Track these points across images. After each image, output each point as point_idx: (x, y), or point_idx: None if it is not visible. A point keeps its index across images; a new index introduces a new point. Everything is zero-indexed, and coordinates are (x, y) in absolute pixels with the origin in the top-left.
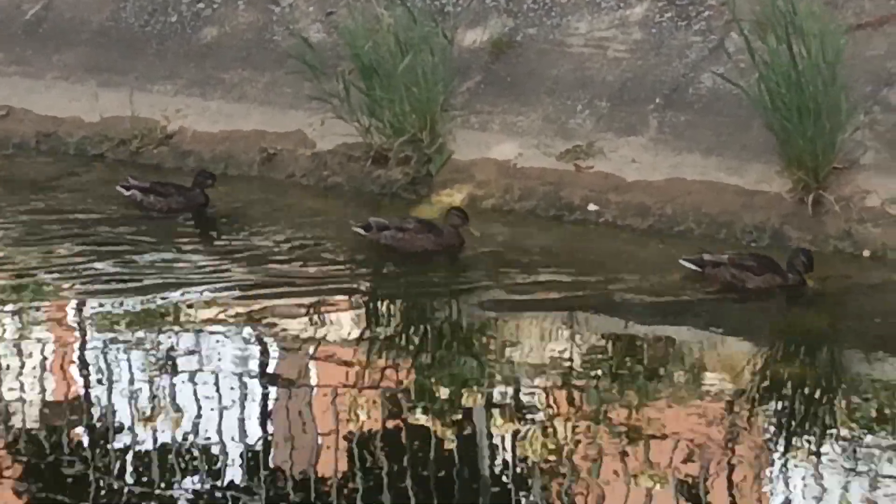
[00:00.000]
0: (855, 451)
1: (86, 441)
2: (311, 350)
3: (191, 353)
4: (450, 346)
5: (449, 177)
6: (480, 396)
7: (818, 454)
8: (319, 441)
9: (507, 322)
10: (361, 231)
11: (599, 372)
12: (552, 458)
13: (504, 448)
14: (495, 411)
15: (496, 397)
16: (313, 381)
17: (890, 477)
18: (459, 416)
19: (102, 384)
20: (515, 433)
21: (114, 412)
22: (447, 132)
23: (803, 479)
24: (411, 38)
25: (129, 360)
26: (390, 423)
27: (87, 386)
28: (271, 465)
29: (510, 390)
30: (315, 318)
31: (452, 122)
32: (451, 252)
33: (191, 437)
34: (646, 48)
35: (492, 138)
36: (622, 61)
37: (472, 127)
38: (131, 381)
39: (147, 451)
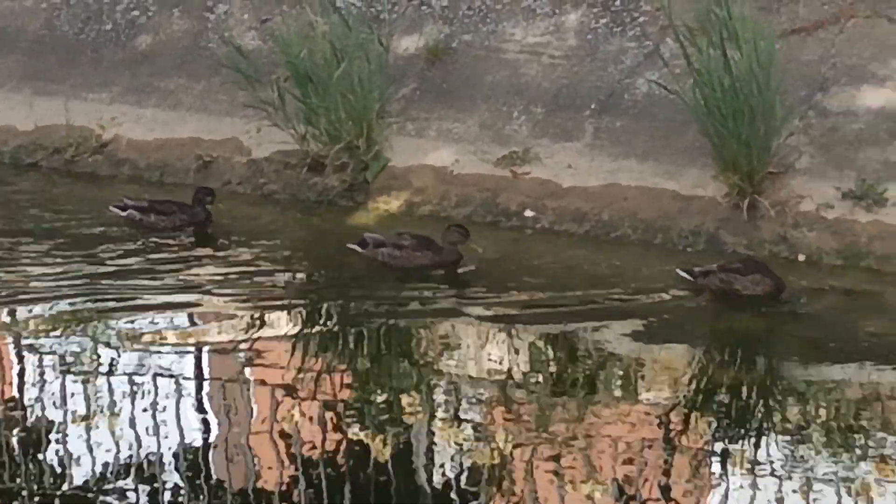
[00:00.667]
0: (791, 455)
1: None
2: (245, 357)
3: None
4: (385, 355)
5: (386, 184)
6: (419, 405)
7: (755, 458)
8: (257, 451)
9: (448, 329)
10: (357, 248)
11: (539, 379)
12: (495, 466)
13: (446, 457)
14: (435, 420)
15: (436, 406)
16: (249, 387)
17: (824, 480)
18: (399, 427)
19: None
20: (457, 442)
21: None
22: (383, 139)
23: (740, 484)
24: (346, 45)
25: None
26: (330, 436)
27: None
28: (212, 475)
29: (451, 399)
30: (251, 327)
31: (389, 129)
32: (449, 269)
33: (132, 446)
34: (581, 54)
35: (428, 145)
36: (558, 67)
37: (408, 133)
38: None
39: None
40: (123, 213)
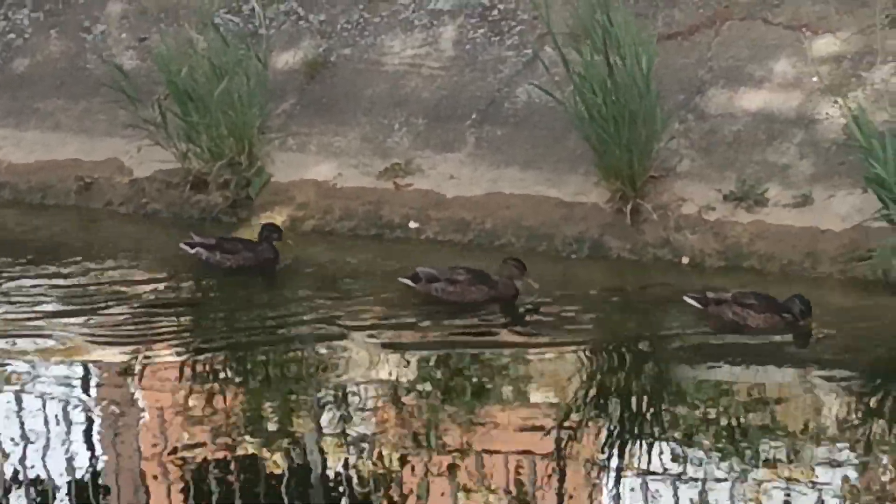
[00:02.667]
0: (683, 459)
1: None
2: (135, 378)
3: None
4: (273, 372)
5: (269, 199)
6: (309, 421)
7: (648, 463)
8: (147, 469)
9: (333, 344)
10: (409, 283)
11: (428, 390)
12: (384, 479)
13: (337, 472)
14: (326, 436)
15: (325, 422)
16: (140, 410)
17: (717, 480)
18: (289, 442)
19: None
20: (346, 458)
21: None
22: (265, 155)
23: (632, 489)
24: (225, 62)
25: None
26: (220, 453)
27: None
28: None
29: (340, 414)
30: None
31: (270, 145)
32: (505, 304)
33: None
34: (460, 65)
35: (310, 159)
36: (437, 78)
37: (290, 149)
38: None
39: None
40: (192, 251)
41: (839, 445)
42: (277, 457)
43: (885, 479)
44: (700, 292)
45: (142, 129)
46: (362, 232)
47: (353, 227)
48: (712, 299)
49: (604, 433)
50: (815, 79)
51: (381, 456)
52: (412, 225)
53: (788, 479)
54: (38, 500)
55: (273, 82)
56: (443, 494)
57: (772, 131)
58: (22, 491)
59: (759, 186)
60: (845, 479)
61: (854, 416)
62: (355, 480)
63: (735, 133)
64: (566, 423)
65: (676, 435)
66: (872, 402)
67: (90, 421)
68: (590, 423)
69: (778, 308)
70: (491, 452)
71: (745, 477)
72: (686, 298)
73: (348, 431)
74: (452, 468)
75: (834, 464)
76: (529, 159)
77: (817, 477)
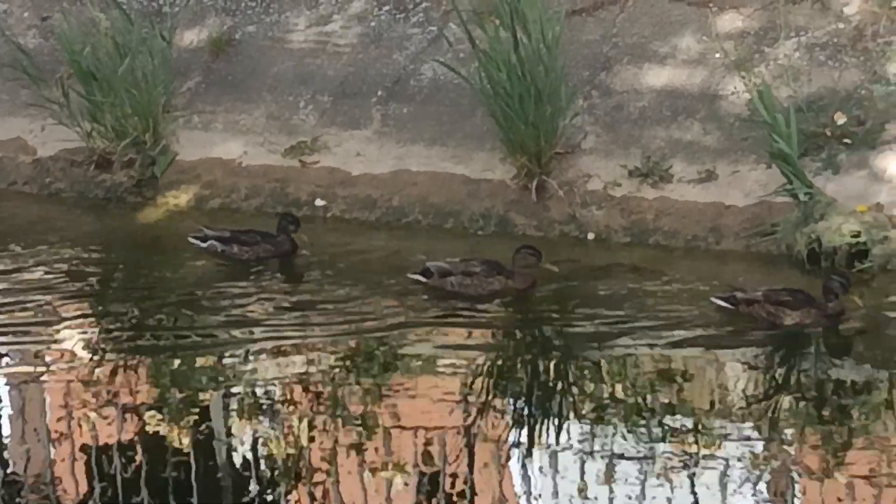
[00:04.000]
0: (591, 434)
1: None
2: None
3: None
4: (180, 345)
5: (175, 178)
6: (216, 396)
7: (556, 439)
8: (53, 446)
9: (240, 317)
10: (420, 278)
11: (334, 365)
12: (293, 454)
13: (244, 447)
14: (232, 410)
15: (232, 396)
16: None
17: (622, 457)
18: (196, 417)
19: None
20: (254, 431)
21: None
22: (170, 133)
23: (540, 466)
24: (129, 40)
25: None
26: (126, 429)
27: None
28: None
29: (247, 389)
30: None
31: (175, 123)
32: (524, 294)
33: None
34: (366, 42)
35: (216, 138)
36: (343, 56)
37: (195, 127)
38: None
39: None
40: (204, 245)
41: (744, 420)
42: (184, 436)
43: (789, 450)
44: (729, 292)
45: (45, 109)
46: (269, 210)
47: (260, 206)
48: (742, 300)
49: (512, 410)
50: (718, 55)
51: (290, 434)
52: (319, 202)
53: (694, 454)
54: None
55: (177, 61)
56: (350, 473)
57: (676, 107)
58: None
59: (664, 162)
60: (752, 452)
61: (759, 390)
62: (263, 453)
63: (640, 109)
64: (475, 400)
65: (585, 411)
66: (778, 377)
67: None
68: (498, 400)
69: (812, 301)
70: (400, 428)
71: (652, 452)
72: (714, 300)
73: (259, 403)
74: (360, 444)
75: (740, 438)
76: (436, 136)
77: (723, 450)
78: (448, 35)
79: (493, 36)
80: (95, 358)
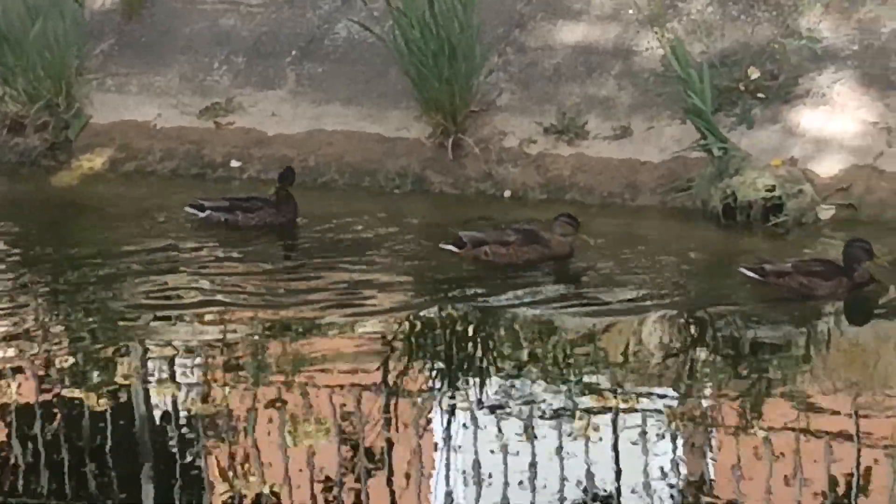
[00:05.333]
0: (509, 393)
1: None
2: None
3: None
4: (96, 311)
5: (89, 141)
6: (136, 363)
7: (477, 396)
8: None
9: (150, 282)
10: (453, 248)
11: (256, 325)
12: (214, 416)
13: (162, 410)
14: (151, 375)
15: (151, 360)
16: None
17: (542, 417)
18: (113, 380)
19: None
20: (173, 396)
21: None
22: (84, 96)
23: (463, 422)
24: (40, 2)
25: None
26: (43, 397)
27: None
28: None
29: (166, 353)
30: None
31: (89, 86)
32: (560, 263)
33: None
34: (279, 1)
35: (130, 100)
36: (256, 16)
37: (109, 90)
38: None
39: None
40: (202, 214)
41: (662, 375)
42: (102, 398)
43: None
44: (757, 263)
45: None
46: (184, 172)
47: (175, 168)
48: (772, 271)
49: (433, 369)
50: (632, 10)
51: (208, 393)
52: (234, 164)
53: (613, 409)
54: None
55: (90, 23)
56: (269, 433)
57: (591, 64)
58: None
59: (580, 119)
60: (668, 405)
61: (676, 347)
62: (182, 413)
63: (555, 66)
64: (395, 361)
65: (505, 369)
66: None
67: None
68: (418, 360)
69: (841, 270)
70: (319, 386)
71: (571, 408)
72: (742, 270)
73: (175, 376)
74: (280, 405)
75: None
76: (351, 95)
77: (642, 403)
78: None
79: None
80: (13, 320)
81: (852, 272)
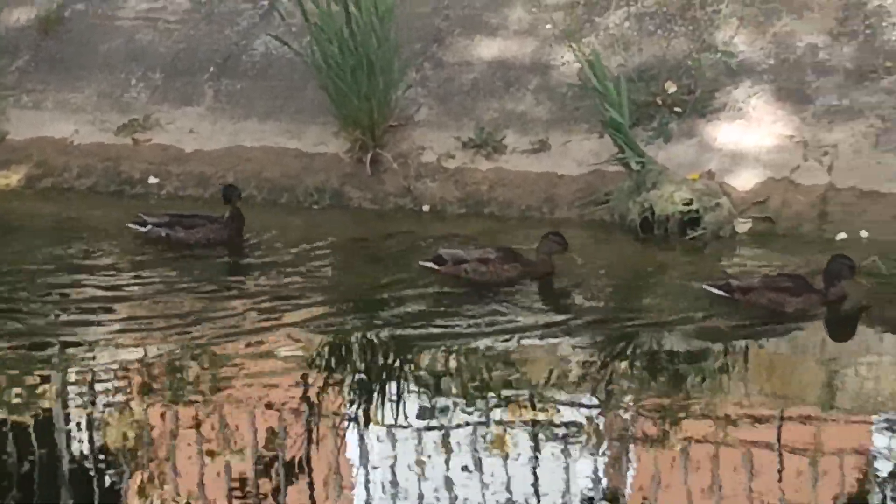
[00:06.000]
0: (428, 409)
1: None
2: None
3: None
4: (13, 330)
5: (5, 158)
6: (54, 380)
7: (393, 412)
8: None
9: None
10: (433, 266)
11: (173, 347)
12: (132, 436)
13: (80, 432)
14: (68, 396)
15: (68, 381)
16: None
17: (458, 427)
18: (32, 402)
19: None
20: (90, 416)
21: None
22: (0, 113)
23: (378, 437)
24: None
25: None
26: None
27: None
28: None
29: (84, 373)
30: None
31: (5, 103)
32: (541, 280)
33: None
34: (196, 18)
35: (47, 116)
36: (174, 32)
37: (25, 106)
38: None
39: None
40: (144, 229)
41: (580, 389)
42: (20, 421)
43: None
44: (722, 279)
45: None
46: (102, 188)
47: (93, 185)
48: (738, 287)
49: (350, 386)
50: (549, 25)
51: (128, 412)
52: (152, 180)
53: (531, 423)
54: None
55: (6, 39)
56: (189, 458)
57: (508, 78)
58: None
59: (498, 133)
60: (588, 419)
61: (595, 361)
62: (100, 435)
63: (472, 81)
64: (313, 377)
65: (422, 385)
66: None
67: None
68: (336, 376)
69: (811, 286)
70: (237, 405)
71: (488, 422)
72: (707, 287)
73: (93, 396)
74: (199, 422)
75: (575, 405)
76: (269, 111)
77: (562, 417)
78: (280, 9)
79: (324, 9)
80: None
81: (828, 288)
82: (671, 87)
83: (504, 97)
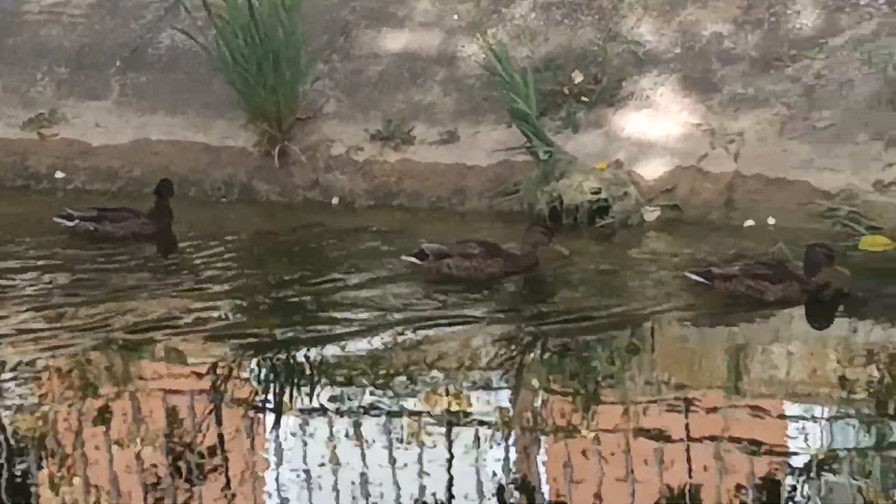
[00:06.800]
0: (342, 396)
1: None
2: None
3: None
4: None
5: None
6: None
7: (306, 401)
8: None
9: None
10: (414, 260)
11: (82, 342)
12: (43, 431)
13: None
14: None
15: None
16: None
17: (370, 416)
18: None
19: None
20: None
21: None
22: None
23: (292, 430)
24: None
25: None
26: None
27: None
28: None
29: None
30: None
31: None
32: (525, 273)
33: None
34: (101, 12)
35: None
36: (78, 26)
37: None
38: None
39: None
40: (70, 224)
41: (492, 377)
42: None
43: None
44: (704, 268)
45: None
46: (8, 183)
47: None
48: (718, 275)
49: (263, 373)
50: (455, 17)
51: (36, 406)
52: (59, 175)
53: (444, 412)
54: None
55: None
56: (97, 447)
57: (415, 70)
58: None
59: (406, 125)
60: (499, 408)
61: (507, 349)
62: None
63: (380, 73)
64: (223, 367)
65: (336, 372)
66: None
67: None
68: (245, 365)
69: (792, 274)
70: (149, 397)
71: (402, 411)
72: (688, 275)
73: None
74: (107, 412)
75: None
76: (176, 105)
77: (473, 407)
78: (185, 2)
79: (229, 2)
80: None
81: (809, 276)
82: (578, 77)
83: (412, 89)
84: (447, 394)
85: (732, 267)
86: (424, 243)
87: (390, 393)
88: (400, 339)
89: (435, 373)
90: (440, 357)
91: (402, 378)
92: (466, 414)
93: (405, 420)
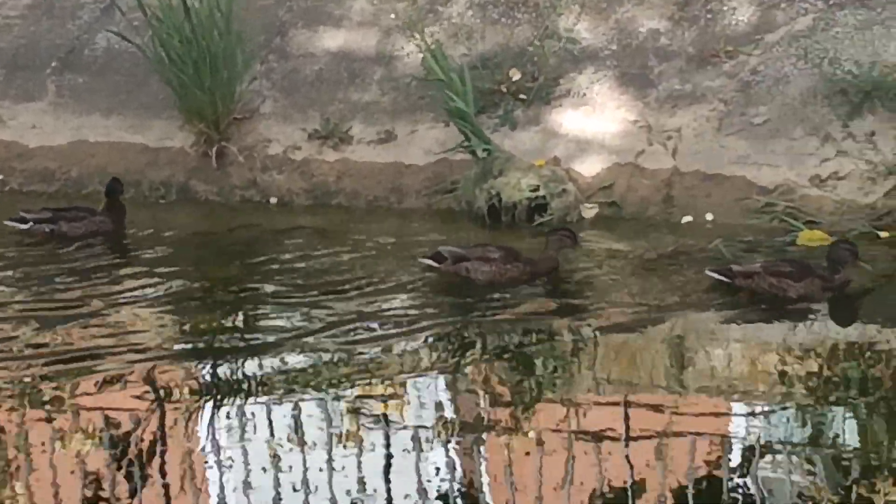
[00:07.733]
0: (281, 402)
1: None
2: None
3: None
4: None
5: None
6: None
7: (242, 398)
8: None
9: None
10: (431, 263)
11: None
12: None
13: None
14: None
15: None
16: None
17: (314, 425)
18: None
19: None
20: None
21: None
22: None
23: (239, 430)
24: None
25: None
26: None
27: None
28: None
29: None
30: None
31: None
32: (544, 278)
33: None
34: (37, 13)
35: None
36: (14, 27)
37: None
38: None
39: None
40: (24, 226)
41: (436, 377)
42: None
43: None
44: (724, 265)
45: None
46: None
47: None
48: (740, 273)
49: (207, 369)
50: (392, 16)
51: None
52: None
53: (382, 411)
54: None
55: None
56: (43, 448)
57: (353, 69)
58: None
59: (344, 124)
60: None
61: (450, 347)
62: None
63: (317, 72)
64: (168, 363)
65: (276, 377)
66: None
67: None
68: (191, 359)
69: (813, 271)
70: (86, 399)
71: (345, 415)
72: (709, 273)
73: None
74: (50, 417)
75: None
76: (113, 106)
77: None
78: (120, 3)
79: (164, 3)
80: None
81: (832, 274)
82: (515, 75)
83: (349, 88)
84: (386, 395)
85: (754, 265)
86: (441, 247)
87: (330, 395)
88: (338, 340)
89: (374, 375)
90: (380, 359)
91: (341, 380)
92: (405, 415)
93: (344, 422)
